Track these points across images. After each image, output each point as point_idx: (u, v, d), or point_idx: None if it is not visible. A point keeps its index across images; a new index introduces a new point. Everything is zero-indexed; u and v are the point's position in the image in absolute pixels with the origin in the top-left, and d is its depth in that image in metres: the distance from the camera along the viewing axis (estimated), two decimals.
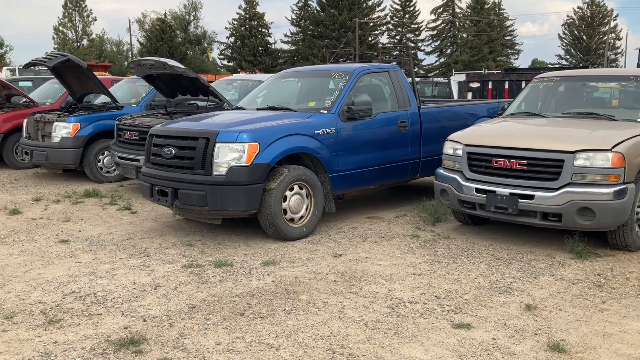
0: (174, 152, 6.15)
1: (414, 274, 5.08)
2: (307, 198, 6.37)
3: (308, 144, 6.34)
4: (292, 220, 6.23)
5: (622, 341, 3.77)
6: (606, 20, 65.98)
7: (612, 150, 5.26)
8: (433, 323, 4.05)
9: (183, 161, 6.11)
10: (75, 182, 10.04)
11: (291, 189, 6.19)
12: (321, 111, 6.72)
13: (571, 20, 69.06)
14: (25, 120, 10.69)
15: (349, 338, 3.81)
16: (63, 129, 9.71)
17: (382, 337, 3.82)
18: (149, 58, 8.91)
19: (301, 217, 6.33)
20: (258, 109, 7.31)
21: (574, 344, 3.72)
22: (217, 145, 5.85)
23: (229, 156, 5.84)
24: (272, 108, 7.11)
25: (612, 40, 64.51)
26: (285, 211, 6.14)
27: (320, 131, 6.46)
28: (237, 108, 7.66)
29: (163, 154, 6.24)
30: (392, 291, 4.66)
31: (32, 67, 16.50)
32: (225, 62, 64.96)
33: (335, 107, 6.71)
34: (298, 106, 7.20)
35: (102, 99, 11.08)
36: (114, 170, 9.81)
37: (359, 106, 6.69)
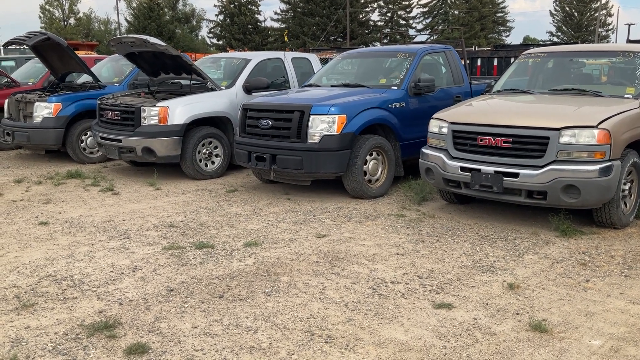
0: (270, 123, 6.94)
1: (397, 254, 5.02)
2: (382, 163, 7.16)
3: (384, 116, 7.12)
4: (369, 181, 7.03)
5: (605, 320, 3.73)
6: None
7: (598, 126, 5.18)
8: (414, 303, 3.99)
9: (280, 131, 6.90)
10: (58, 163, 9.88)
11: (370, 155, 6.98)
12: (392, 87, 7.47)
13: None
14: (6, 101, 10.48)
15: (328, 319, 3.75)
16: (44, 109, 9.53)
17: (362, 318, 3.76)
18: (129, 35, 8.71)
19: (377, 179, 7.13)
20: (333, 86, 7.97)
21: (556, 323, 3.67)
22: (312, 117, 6.67)
23: (321, 126, 6.65)
24: (346, 85, 7.86)
25: (603, 17, 64.11)
26: (364, 173, 6.92)
27: (393, 105, 7.24)
28: (310, 85, 8.28)
29: (260, 125, 7.03)
30: (374, 271, 4.60)
31: (17, 47, 16.13)
32: (214, 40, 64.18)
33: (404, 84, 7.47)
34: (366, 83, 7.80)
35: (84, 78, 10.88)
36: (97, 150, 9.65)
37: (424, 83, 7.42)
